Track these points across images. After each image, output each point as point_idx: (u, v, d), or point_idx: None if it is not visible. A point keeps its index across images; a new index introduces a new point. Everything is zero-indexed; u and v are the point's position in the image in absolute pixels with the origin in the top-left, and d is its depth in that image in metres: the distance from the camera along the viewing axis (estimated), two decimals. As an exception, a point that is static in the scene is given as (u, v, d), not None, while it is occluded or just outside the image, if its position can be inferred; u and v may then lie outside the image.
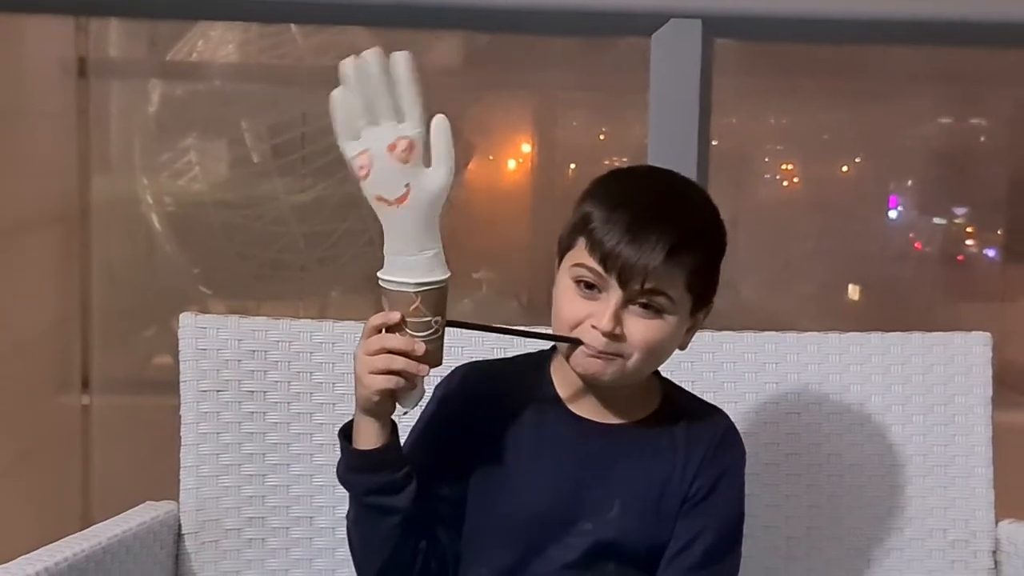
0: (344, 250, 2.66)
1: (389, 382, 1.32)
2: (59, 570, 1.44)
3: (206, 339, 1.75)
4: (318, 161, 2.63)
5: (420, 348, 1.32)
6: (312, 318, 1.81)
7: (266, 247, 2.67)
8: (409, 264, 1.31)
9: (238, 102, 2.69)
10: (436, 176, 1.30)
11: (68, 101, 2.66)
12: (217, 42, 2.65)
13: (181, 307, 1.80)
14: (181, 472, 1.73)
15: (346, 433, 1.41)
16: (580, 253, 1.39)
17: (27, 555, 1.45)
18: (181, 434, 1.74)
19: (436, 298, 1.32)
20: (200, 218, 2.66)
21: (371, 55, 1.30)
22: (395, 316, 1.32)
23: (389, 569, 1.44)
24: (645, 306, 1.37)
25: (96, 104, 2.72)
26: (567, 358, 1.42)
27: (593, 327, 1.37)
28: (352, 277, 2.76)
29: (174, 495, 1.74)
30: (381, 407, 1.36)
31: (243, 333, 1.75)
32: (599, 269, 1.36)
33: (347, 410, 1.73)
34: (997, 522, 1.82)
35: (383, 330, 1.33)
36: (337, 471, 1.42)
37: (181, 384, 1.75)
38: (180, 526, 1.72)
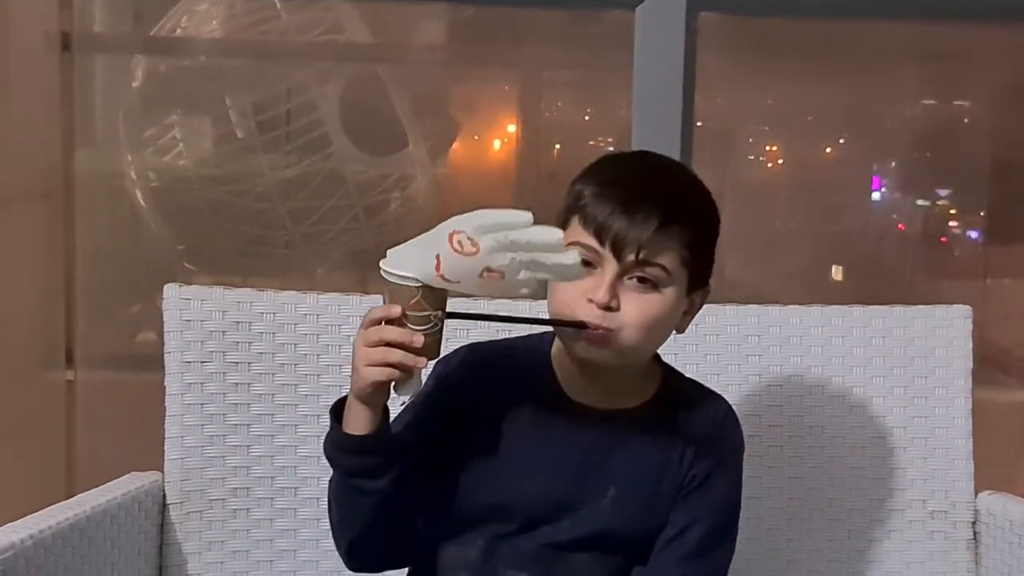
0: (329, 227, 2.66)
1: (383, 374, 1.32)
2: (44, 538, 1.45)
3: (190, 310, 1.75)
4: (303, 137, 2.62)
5: (419, 340, 1.31)
6: (297, 292, 1.81)
7: (251, 223, 2.67)
8: (412, 258, 1.31)
9: (223, 78, 2.68)
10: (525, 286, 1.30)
11: (52, 76, 2.65)
12: (202, 17, 2.64)
13: (164, 283, 1.80)
14: (166, 443, 1.74)
15: (337, 409, 1.41)
16: (574, 231, 1.39)
17: (11, 523, 1.45)
18: (166, 405, 1.74)
19: (437, 292, 1.32)
20: (184, 194, 2.65)
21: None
22: (396, 310, 1.31)
23: (361, 543, 1.45)
24: (641, 280, 1.37)
25: (80, 79, 2.70)
26: (567, 345, 1.42)
27: (589, 300, 1.36)
28: (337, 254, 2.76)
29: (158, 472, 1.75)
30: (375, 397, 1.36)
31: (227, 304, 1.76)
32: (593, 243, 1.37)
33: (331, 382, 1.75)
34: (976, 493, 1.84)
35: (383, 322, 1.33)
36: (324, 444, 1.42)
37: (165, 355, 1.75)
38: (165, 496, 1.73)
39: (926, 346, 1.84)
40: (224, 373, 1.75)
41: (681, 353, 1.80)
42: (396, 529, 1.45)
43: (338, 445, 1.40)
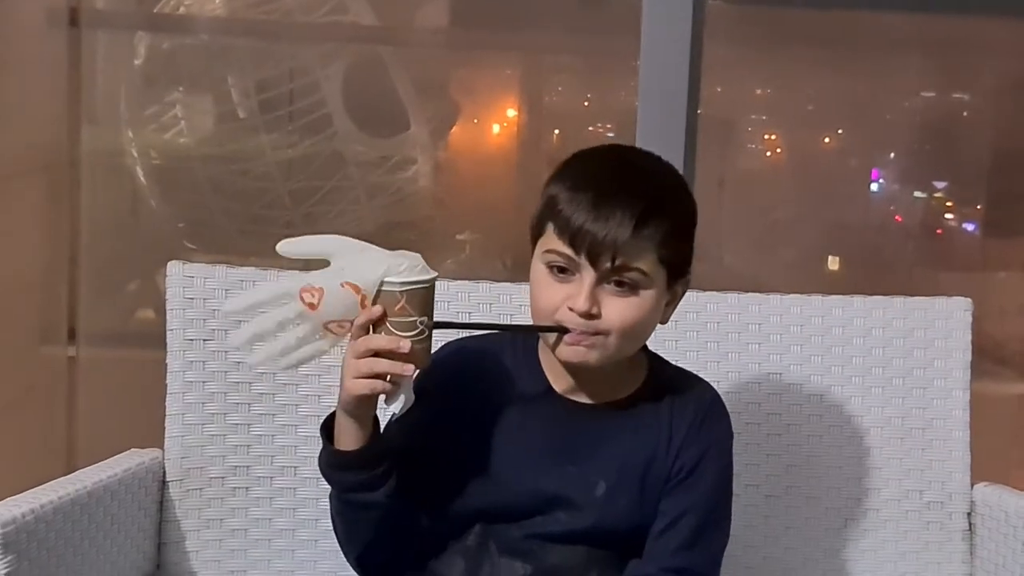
0: (330, 207, 2.66)
1: (368, 387, 1.31)
2: (45, 512, 1.45)
3: (193, 288, 1.75)
4: (305, 117, 2.62)
5: (405, 345, 1.31)
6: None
7: (251, 203, 2.66)
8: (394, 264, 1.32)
9: (225, 57, 2.67)
10: None
11: (59, 51, 2.64)
12: (205, -5, 2.65)
13: (164, 261, 1.80)
14: (166, 420, 1.74)
15: (327, 426, 1.41)
16: (549, 238, 1.38)
17: (12, 497, 1.46)
18: (167, 382, 1.74)
19: (421, 298, 1.32)
20: (185, 173, 2.65)
21: None
22: (377, 310, 1.31)
23: (369, 555, 1.46)
24: (620, 284, 1.36)
25: (85, 55, 2.69)
26: (553, 349, 1.41)
27: (570, 309, 1.36)
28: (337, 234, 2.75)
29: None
30: (361, 410, 1.36)
31: (230, 283, 1.76)
32: (568, 251, 1.36)
33: (334, 362, 1.74)
34: (972, 485, 1.84)
35: (370, 329, 1.32)
36: (319, 463, 1.42)
37: (167, 333, 1.75)
38: (165, 473, 1.73)
39: (925, 337, 1.85)
40: (226, 352, 1.74)
41: (682, 340, 1.81)
42: (402, 536, 1.45)
43: (331, 463, 1.40)
